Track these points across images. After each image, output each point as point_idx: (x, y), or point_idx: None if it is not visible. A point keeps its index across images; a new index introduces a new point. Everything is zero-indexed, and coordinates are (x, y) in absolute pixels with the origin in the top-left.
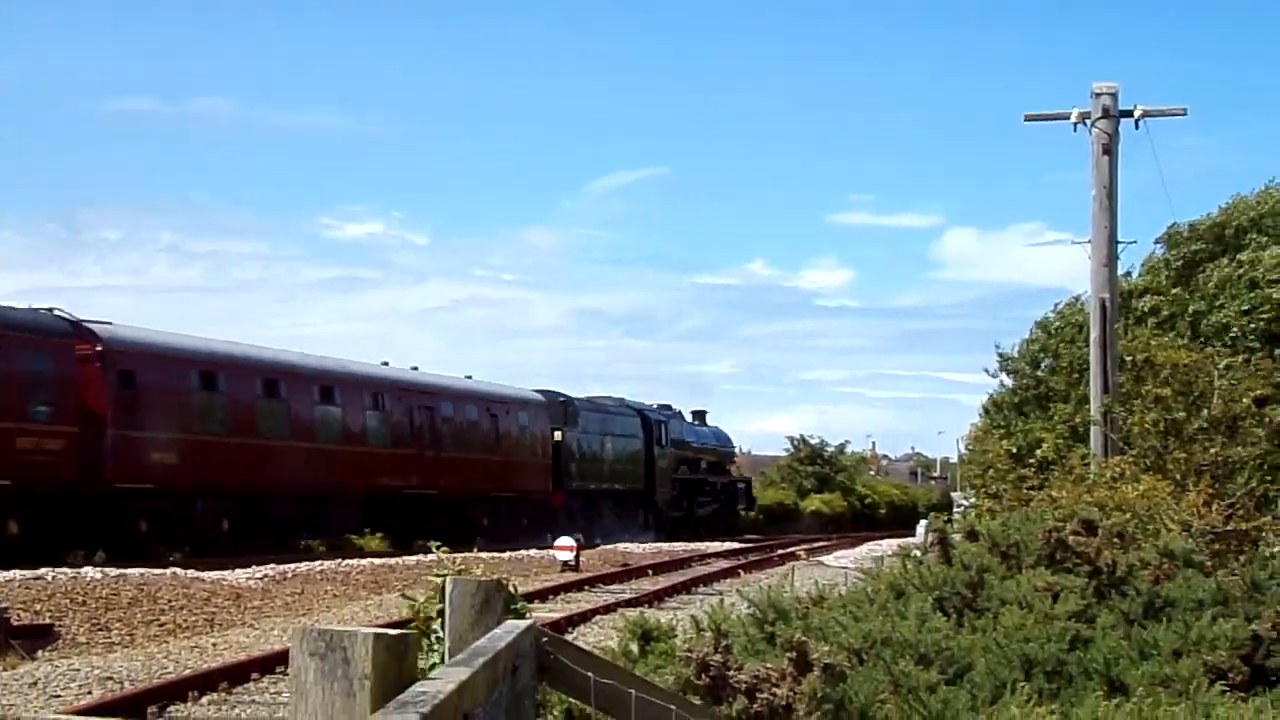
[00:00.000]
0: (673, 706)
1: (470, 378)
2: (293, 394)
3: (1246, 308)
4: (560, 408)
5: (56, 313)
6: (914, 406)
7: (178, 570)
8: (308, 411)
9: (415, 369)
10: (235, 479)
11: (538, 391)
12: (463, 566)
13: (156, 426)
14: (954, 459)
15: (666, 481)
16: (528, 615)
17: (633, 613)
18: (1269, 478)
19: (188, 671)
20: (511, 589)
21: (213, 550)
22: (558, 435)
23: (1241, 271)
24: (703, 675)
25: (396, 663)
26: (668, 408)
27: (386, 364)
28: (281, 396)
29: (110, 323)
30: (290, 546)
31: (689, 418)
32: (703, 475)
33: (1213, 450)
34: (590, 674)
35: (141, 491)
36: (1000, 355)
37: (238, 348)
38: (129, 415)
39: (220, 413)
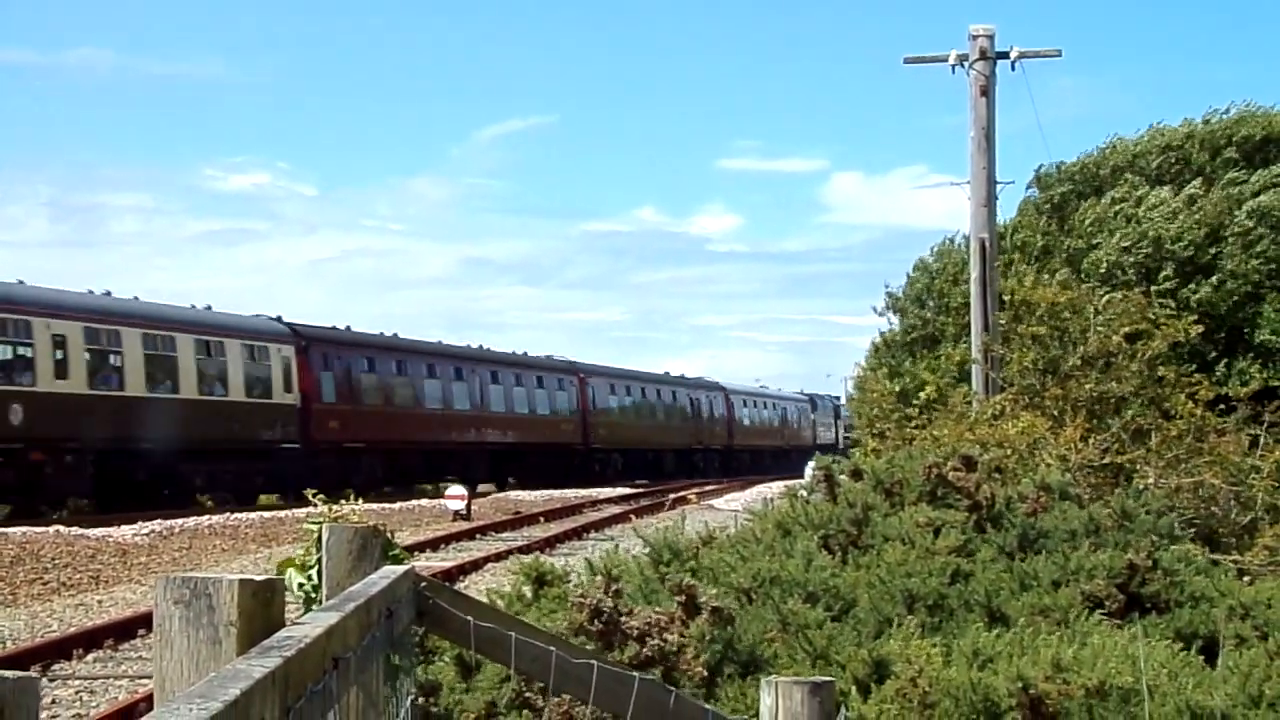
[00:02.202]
0: (553, 649)
1: (765, 386)
2: None
3: (1126, 244)
4: (811, 400)
5: None
6: (804, 350)
7: (61, 528)
8: None
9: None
10: None
11: (801, 393)
12: (339, 514)
13: None
14: (844, 400)
15: (839, 437)
16: (406, 561)
17: (526, 558)
18: (1144, 412)
19: (72, 629)
20: (389, 535)
21: None
22: (813, 416)
23: (1117, 209)
24: (595, 621)
25: (263, 609)
26: (827, 396)
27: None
28: None
29: None
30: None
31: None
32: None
33: (1088, 386)
34: (470, 618)
35: None
36: (889, 294)
37: None
38: None
39: None
